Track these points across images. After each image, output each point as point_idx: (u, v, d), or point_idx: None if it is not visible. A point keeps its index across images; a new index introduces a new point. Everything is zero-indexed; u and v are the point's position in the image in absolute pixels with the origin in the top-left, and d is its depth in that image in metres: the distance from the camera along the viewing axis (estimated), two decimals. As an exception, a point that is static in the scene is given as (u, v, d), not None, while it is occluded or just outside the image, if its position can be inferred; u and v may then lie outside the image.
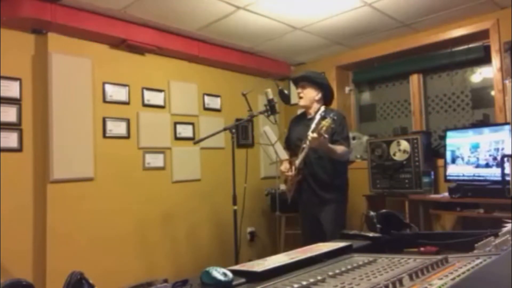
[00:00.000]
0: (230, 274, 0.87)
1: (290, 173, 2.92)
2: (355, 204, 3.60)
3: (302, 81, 2.97)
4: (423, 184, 3.35)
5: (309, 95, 2.94)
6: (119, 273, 3.13)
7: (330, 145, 2.63)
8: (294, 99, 4.71)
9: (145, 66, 3.55)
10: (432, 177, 3.45)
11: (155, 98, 3.60)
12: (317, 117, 2.85)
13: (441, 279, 0.76)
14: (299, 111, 3.18)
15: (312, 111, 2.96)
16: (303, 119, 3.06)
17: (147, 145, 3.49)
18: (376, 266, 0.93)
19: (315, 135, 2.48)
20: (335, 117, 2.50)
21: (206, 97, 4.04)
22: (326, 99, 3.00)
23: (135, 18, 3.22)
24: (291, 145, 3.10)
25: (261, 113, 2.97)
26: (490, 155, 3.01)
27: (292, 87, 4.78)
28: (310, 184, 2.87)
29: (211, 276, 0.86)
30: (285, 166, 3.01)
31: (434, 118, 3.98)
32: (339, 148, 2.72)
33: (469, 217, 3.06)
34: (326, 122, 2.44)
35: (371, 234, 1.34)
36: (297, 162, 2.83)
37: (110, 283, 2.84)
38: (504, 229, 1.12)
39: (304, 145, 2.75)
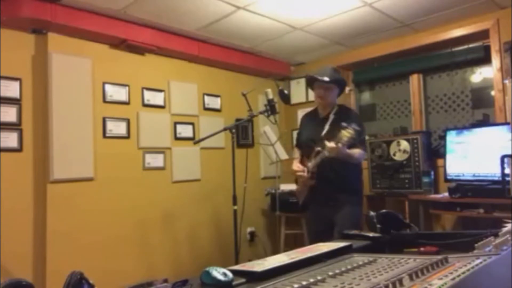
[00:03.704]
0: (230, 274, 0.87)
1: (304, 174, 2.72)
2: (355, 204, 3.60)
3: (329, 83, 2.75)
4: (423, 184, 3.35)
5: (331, 97, 2.78)
6: (119, 273, 3.13)
7: (348, 151, 2.52)
8: (294, 99, 4.75)
9: (145, 66, 3.55)
10: (432, 177, 3.46)
11: (155, 98, 3.60)
12: (331, 117, 2.74)
13: (441, 279, 0.76)
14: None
15: (326, 110, 2.82)
16: (315, 117, 2.90)
17: (147, 145, 3.49)
18: (376, 266, 0.93)
19: (333, 144, 2.40)
20: (358, 127, 2.40)
21: (206, 97, 4.04)
22: (340, 93, 2.89)
23: (135, 18, 3.22)
24: (302, 144, 2.96)
25: (261, 113, 2.97)
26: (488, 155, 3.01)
27: (293, 87, 4.81)
28: (324, 186, 2.70)
29: (211, 276, 0.86)
30: (297, 165, 2.81)
31: (434, 118, 3.98)
32: (356, 152, 2.61)
33: (469, 217, 3.06)
34: (347, 133, 2.35)
35: (371, 234, 1.34)
36: (311, 166, 2.69)
37: (110, 283, 2.83)
38: (504, 229, 1.12)
39: (318, 148, 2.64)
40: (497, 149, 2.93)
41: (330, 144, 2.43)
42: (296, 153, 3.02)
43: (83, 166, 3.07)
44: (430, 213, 3.36)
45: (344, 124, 2.42)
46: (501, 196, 2.68)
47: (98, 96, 3.22)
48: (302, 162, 2.88)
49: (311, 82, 2.85)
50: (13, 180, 2.80)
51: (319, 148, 2.64)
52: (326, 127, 2.72)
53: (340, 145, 2.39)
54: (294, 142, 3.20)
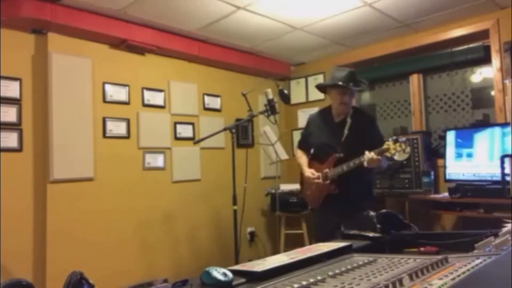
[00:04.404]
0: (230, 274, 0.87)
1: (320, 181, 2.63)
2: (355, 204, 3.59)
3: (358, 89, 2.67)
4: (423, 184, 3.35)
5: (352, 102, 2.68)
6: (119, 273, 3.13)
7: (381, 160, 2.42)
8: (294, 99, 4.75)
9: (145, 66, 3.55)
10: (432, 177, 3.46)
11: (155, 98, 3.60)
12: (349, 121, 2.63)
13: (441, 279, 0.76)
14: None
15: (343, 113, 2.69)
16: (328, 120, 2.75)
17: (147, 145, 3.49)
18: (376, 266, 0.93)
19: (374, 156, 2.31)
20: (407, 145, 2.32)
21: (206, 97, 4.04)
22: None
23: (135, 18, 3.22)
24: (311, 146, 2.83)
25: (261, 113, 2.96)
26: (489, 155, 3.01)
27: (293, 87, 4.81)
28: (340, 192, 2.59)
29: (211, 276, 0.86)
30: (310, 171, 2.72)
31: (434, 118, 3.98)
32: (384, 160, 2.51)
33: (469, 217, 3.06)
34: (399, 147, 2.27)
35: (371, 234, 1.34)
36: (332, 173, 2.58)
37: (110, 283, 2.84)
38: (504, 229, 1.12)
39: (340, 155, 2.55)
40: (497, 149, 2.94)
41: (371, 155, 2.33)
42: (299, 154, 2.92)
43: (83, 166, 3.07)
44: (430, 213, 3.36)
45: (395, 137, 2.34)
46: (501, 196, 2.68)
47: (98, 96, 3.21)
48: (310, 165, 2.80)
49: (325, 87, 2.75)
50: (13, 180, 2.79)
51: (341, 155, 2.56)
52: (345, 132, 2.61)
53: (380, 157, 2.31)
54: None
